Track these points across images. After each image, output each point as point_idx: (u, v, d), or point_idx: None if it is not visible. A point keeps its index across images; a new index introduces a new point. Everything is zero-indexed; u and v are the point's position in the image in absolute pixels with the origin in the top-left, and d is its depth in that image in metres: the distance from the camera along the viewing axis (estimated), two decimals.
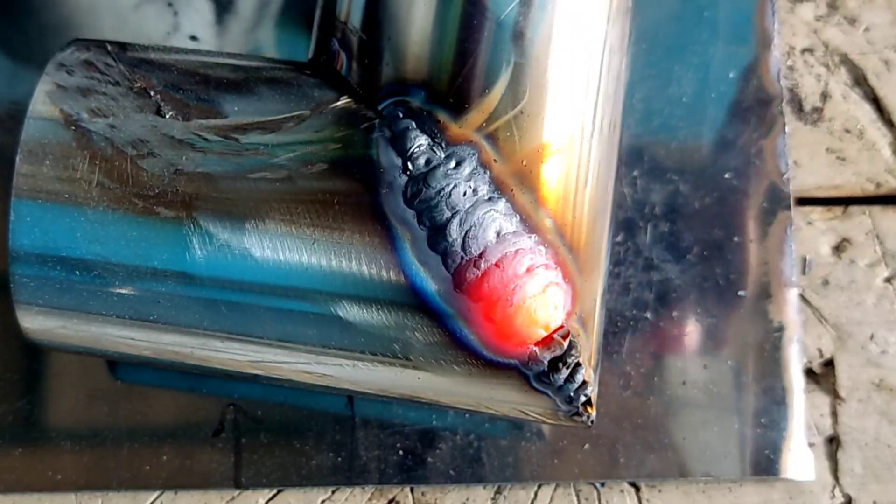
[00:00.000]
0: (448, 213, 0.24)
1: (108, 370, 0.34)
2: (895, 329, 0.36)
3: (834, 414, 0.35)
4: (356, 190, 0.24)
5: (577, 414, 0.26)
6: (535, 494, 0.35)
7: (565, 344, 0.25)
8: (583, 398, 0.26)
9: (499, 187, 0.24)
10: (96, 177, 0.25)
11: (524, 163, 0.24)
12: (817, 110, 0.37)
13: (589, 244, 0.26)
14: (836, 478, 0.35)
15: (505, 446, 0.34)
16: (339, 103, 0.25)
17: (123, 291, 0.25)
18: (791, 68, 0.37)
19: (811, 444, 0.35)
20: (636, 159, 0.36)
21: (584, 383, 0.26)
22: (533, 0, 0.24)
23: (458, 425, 0.34)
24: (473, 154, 0.24)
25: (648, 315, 0.35)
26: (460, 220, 0.24)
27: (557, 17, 0.24)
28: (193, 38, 0.37)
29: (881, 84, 0.37)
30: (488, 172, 0.24)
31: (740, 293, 0.35)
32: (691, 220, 0.35)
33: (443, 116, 0.24)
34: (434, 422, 0.34)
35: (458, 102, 0.24)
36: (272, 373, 0.27)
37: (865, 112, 0.37)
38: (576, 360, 0.25)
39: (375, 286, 0.24)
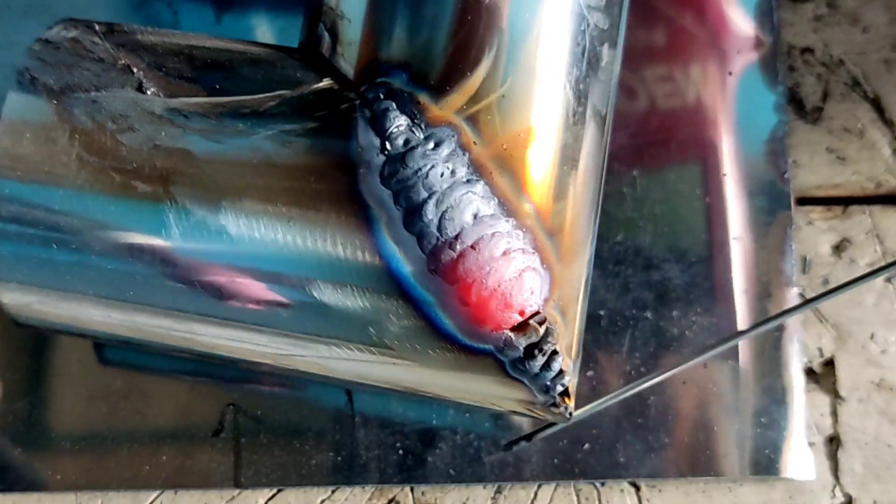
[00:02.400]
0: (425, 194, 0.23)
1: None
2: (895, 329, 0.36)
3: (834, 413, 0.35)
4: (333, 169, 0.24)
5: (555, 405, 0.26)
6: (535, 494, 0.35)
7: (542, 330, 0.24)
8: (559, 388, 0.25)
9: (478, 170, 0.24)
10: (76, 150, 0.25)
11: (505, 146, 0.24)
12: (817, 110, 0.37)
13: (571, 231, 0.25)
14: (836, 477, 0.35)
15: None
16: (320, 84, 0.25)
17: (100, 267, 0.25)
18: (791, 68, 0.37)
19: (811, 444, 0.35)
20: (636, 159, 0.36)
21: (561, 372, 0.25)
22: None
23: (457, 425, 0.34)
24: (453, 136, 0.24)
25: (648, 315, 0.35)
26: (437, 200, 0.23)
27: (544, 2, 0.24)
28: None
29: (881, 84, 0.37)
30: (467, 155, 0.24)
31: (740, 293, 0.35)
32: (691, 219, 0.35)
33: (423, 98, 0.24)
34: (434, 421, 0.34)
35: (440, 84, 0.24)
36: (251, 357, 0.27)
37: (865, 112, 0.37)
38: (552, 348, 0.25)
39: (350, 267, 0.24)
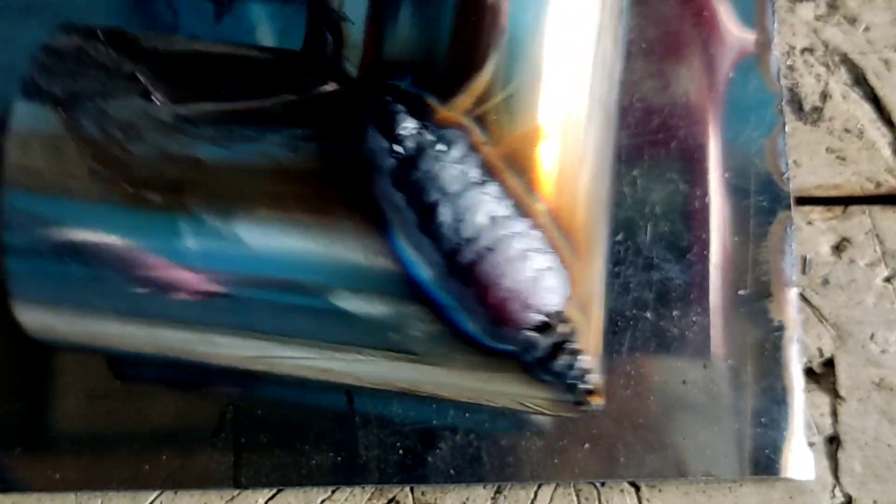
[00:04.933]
0: (437, 196, 0.23)
1: (108, 370, 0.34)
2: (895, 329, 0.36)
3: (834, 413, 0.35)
4: (344, 173, 0.24)
5: (580, 403, 0.26)
6: (535, 494, 0.35)
7: (563, 329, 0.24)
8: (584, 386, 0.25)
9: (489, 171, 0.24)
10: (86, 161, 0.24)
11: (514, 146, 0.24)
12: (817, 110, 0.37)
13: (585, 229, 0.25)
14: (836, 477, 0.35)
15: (505, 446, 0.34)
16: (326, 87, 0.25)
17: (116, 281, 0.25)
18: (791, 68, 0.37)
19: (811, 444, 0.35)
20: (636, 158, 0.36)
21: (585, 370, 0.25)
22: None
23: (458, 424, 0.34)
24: (463, 137, 0.24)
25: (648, 315, 0.35)
26: (451, 202, 0.23)
27: (548, 4, 0.24)
28: (193, 37, 0.37)
29: (881, 84, 0.37)
30: (478, 156, 0.24)
31: (740, 293, 0.35)
32: (691, 219, 0.35)
33: (431, 100, 0.24)
34: (434, 421, 0.34)
35: (446, 85, 0.24)
36: (274, 368, 0.27)
37: (865, 112, 0.37)
38: (575, 346, 0.25)
39: (368, 273, 0.24)
